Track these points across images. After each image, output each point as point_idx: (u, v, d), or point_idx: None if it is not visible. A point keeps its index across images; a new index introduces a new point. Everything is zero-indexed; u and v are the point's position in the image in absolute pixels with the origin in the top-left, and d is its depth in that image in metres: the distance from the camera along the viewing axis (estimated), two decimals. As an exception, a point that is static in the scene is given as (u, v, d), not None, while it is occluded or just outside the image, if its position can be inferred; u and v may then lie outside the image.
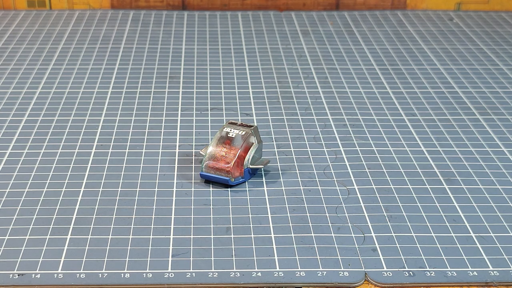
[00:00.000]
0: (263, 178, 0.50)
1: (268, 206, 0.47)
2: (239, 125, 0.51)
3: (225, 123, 0.51)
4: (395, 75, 0.69)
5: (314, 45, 0.77)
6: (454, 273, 0.40)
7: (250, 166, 0.49)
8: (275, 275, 0.40)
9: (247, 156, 0.49)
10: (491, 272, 0.40)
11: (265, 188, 0.49)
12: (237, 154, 0.48)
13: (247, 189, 0.49)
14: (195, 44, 0.77)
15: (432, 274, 0.40)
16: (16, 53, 0.73)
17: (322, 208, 0.46)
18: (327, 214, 0.46)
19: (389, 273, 0.40)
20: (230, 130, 0.50)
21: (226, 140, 0.49)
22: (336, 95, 0.64)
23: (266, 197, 0.48)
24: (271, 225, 0.45)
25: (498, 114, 0.60)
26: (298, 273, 0.40)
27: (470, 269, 0.41)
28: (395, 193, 0.48)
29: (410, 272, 0.40)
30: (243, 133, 0.49)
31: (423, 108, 0.61)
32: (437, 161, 0.52)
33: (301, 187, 0.49)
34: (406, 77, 0.68)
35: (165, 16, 0.86)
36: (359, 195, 0.48)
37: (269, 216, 0.45)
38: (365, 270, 0.41)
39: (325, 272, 0.40)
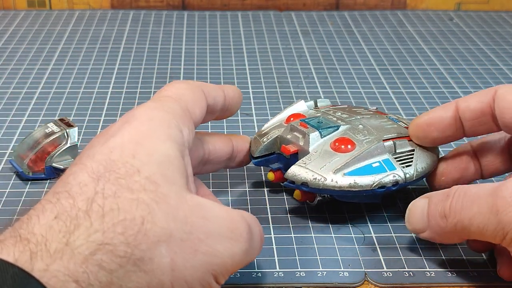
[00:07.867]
0: (263, 178, 0.50)
1: (268, 206, 0.47)
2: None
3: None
4: (395, 75, 0.69)
5: (314, 45, 0.77)
6: (454, 273, 0.40)
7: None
8: (275, 275, 0.40)
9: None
10: (491, 272, 0.40)
11: (265, 189, 0.49)
12: None
13: (247, 189, 0.49)
14: (195, 44, 0.77)
15: (432, 274, 0.40)
16: (16, 53, 0.73)
17: (322, 208, 0.46)
18: (327, 214, 0.46)
19: (389, 273, 0.40)
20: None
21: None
22: (336, 95, 0.64)
23: (266, 197, 0.48)
24: (271, 225, 0.44)
25: (498, 114, 0.60)
26: (298, 273, 0.40)
27: (470, 269, 0.41)
28: (395, 193, 0.48)
29: (410, 272, 0.40)
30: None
31: (423, 108, 0.61)
32: (437, 161, 0.52)
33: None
34: (406, 77, 0.68)
35: (165, 16, 0.86)
36: (359, 195, 0.48)
37: (269, 216, 0.45)
38: (365, 270, 0.40)
39: (325, 272, 0.40)
